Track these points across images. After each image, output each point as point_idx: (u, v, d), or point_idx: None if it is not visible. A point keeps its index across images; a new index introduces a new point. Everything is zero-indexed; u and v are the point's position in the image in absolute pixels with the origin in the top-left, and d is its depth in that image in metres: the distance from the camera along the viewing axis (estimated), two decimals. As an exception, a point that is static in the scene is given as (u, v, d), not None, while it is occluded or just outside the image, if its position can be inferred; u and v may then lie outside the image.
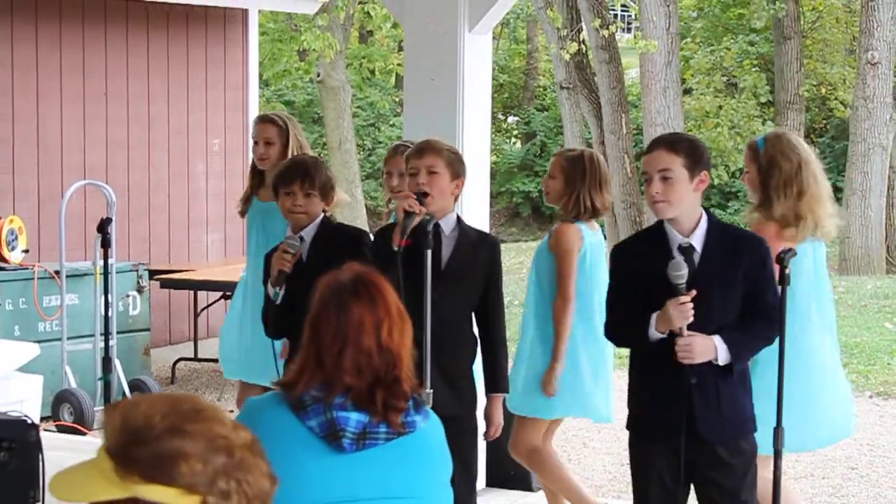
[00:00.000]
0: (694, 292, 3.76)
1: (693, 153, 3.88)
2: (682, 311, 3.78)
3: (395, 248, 4.18)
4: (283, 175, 4.65)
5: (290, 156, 5.41)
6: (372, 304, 2.78)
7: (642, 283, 3.88)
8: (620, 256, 4.04)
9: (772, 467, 4.33)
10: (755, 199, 4.71)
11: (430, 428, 2.85)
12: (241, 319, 5.68)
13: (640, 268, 3.91)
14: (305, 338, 2.81)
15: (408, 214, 4.25)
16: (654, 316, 3.84)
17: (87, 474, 1.77)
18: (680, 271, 3.78)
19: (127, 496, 1.73)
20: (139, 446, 1.73)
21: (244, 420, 2.79)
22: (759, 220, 4.61)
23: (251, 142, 5.79)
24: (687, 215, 3.88)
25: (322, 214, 4.66)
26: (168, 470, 1.72)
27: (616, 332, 4.09)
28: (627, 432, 4.09)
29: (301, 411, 2.76)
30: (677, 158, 3.84)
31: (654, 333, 3.86)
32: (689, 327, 3.80)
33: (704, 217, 3.92)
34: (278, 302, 4.43)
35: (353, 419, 2.75)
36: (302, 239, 4.57)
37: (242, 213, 5.83)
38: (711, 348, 3.81)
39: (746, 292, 3.88)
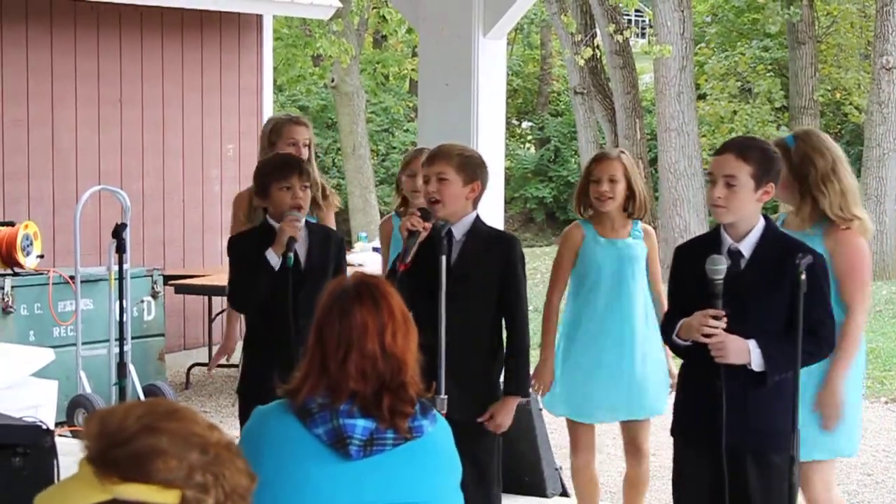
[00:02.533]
0: (723, 314, 3.75)
1: (763, 163, 3.84)
2: (702, 323, 3.77)
3: (397, 272, 4.15)
4: (280, 169, 4.67)
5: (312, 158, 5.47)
6: (375, 308, 2.78)
7: (692, 285, 3.87)
8: (679, 258, 4.07)
9: (827, 475, 4.34)
10: (790, 202, 4.57)
11: (437, 432, 2.84)
12: None
13: (692, 269, 3.90)
14: (310, 343, 2.82)
15: (411, 234, 4.24)
16: (680, 322, 3.83)
17: (69, 484, 1.81)
18: (718, 266, 3.76)
19: (107, 498, 1.76)
20: (116, 448, 1.77)
21: (252, 428, 2.84)
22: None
23: (270, 143, 5.63)
24: (744, 221, 3.87)
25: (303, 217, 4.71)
26: (145, 467, 1.75)
27: (662, 331, 4.14)
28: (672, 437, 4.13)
29: (307, 419, 2.76)
30: (745, 167, 3.82)
31: (677, 340, 3.85)
32: (727, 332, 3.78)
33: (761, 224, 3.89)
34: (277, 268, 4.46)
35: (360, 426, 2.75)
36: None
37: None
38: (745, 351, 3.79)
39: (792, 305, 3.79)
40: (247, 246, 4.63)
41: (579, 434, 5.19)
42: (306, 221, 4.71)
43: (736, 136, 4.29)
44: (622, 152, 5.15)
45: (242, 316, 5.15)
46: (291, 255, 4.47)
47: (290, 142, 5.54)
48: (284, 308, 4.43)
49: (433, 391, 3.88)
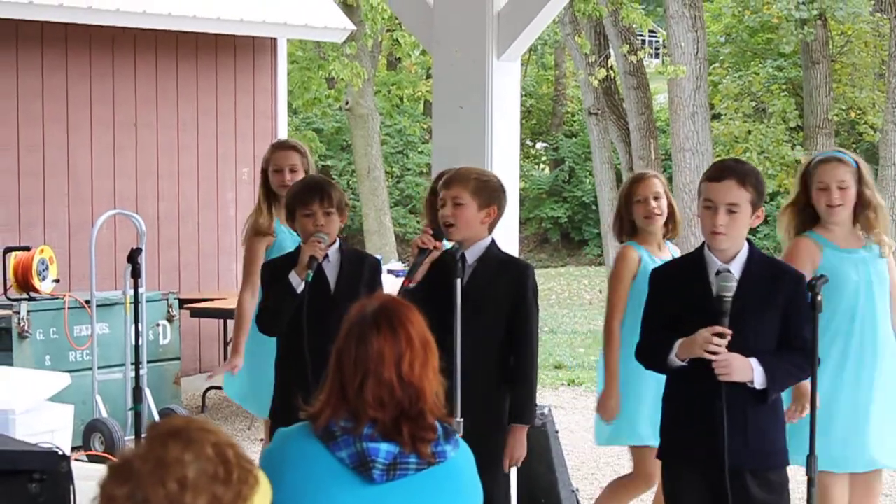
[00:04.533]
0: (729, 332, 3.75)
1: (758, 188, 3.89)
2: (707, 340, 3.75)
3: (409, 288, 4.17)
4: (301, 195, 4.64)
5: None
6: (393, 336, 2.77)
7: (676, 307, 3.87)
8: (658, 279, 4.05)
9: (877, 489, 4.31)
10: (848, 217, 4.68)
11: (460, 457, 2.84)
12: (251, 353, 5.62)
13: (675, 292, 3.91)
14: (330, 369, 2.81)
15: (421, 251, 4.25)
16: (678, 342, 3.81)
17: None
18: (729, 283, 3.78)
19: None
20: None
21: (274, 450, 2.85)
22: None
23: (263, 169, 5.67)
24: (735, 245, 3.90)
25: (338, 240, 4.68)
26: None
27: (643, 354, 4.08)
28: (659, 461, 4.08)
29: (331, 442, 2.76)
30: (746, 193, 3.85)
31: (674, 360, 3.84)
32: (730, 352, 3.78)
33: (746, 247, 3.91)
34: (300, 290, 4.45)
35: (384, 450, 2.74)
36: (327, 257, 4.59)
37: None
38: (748, 369, 3.80)
39: (784, 326, 3.87)
40: (278, 271, 4.63)
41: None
42: (341, 244, 4.70)
43: (727, 160, 4.26)
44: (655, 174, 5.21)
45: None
46: (311, 272, 4.46)
47: (275, 167, 5.57)
48: (312, 329, 4.43)
49: (456, 416, 3.89)
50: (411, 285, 4.19)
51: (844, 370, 4.66)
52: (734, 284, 3.78)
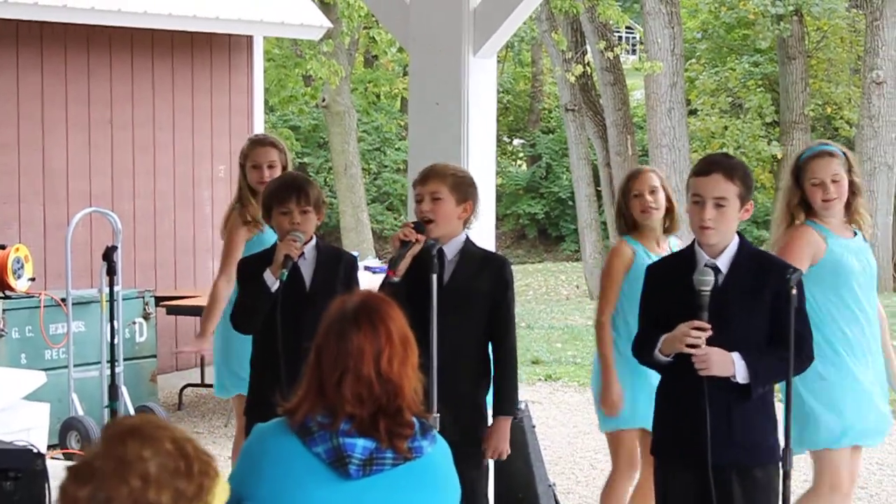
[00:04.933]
0: (708, 326, 3.77)
1: (746, 182, 3.90)
2: (685, 333, 3.78)
3: (393, 280, 4.19)
4: (278, 193, 4.64)
5: None
6: (373, 332, 2.79)
7: (668, 303, 3.89)
8: (652, 277, 4.07)
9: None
10: (839, 209, 4.72)
11: (437, 453, 2.86)
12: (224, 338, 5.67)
13: (667, 288, 3.93)
14: (309, 364, 2.83)
15: (403, 244, 4.27)
16: (663, 337, 3.83)
17: None
18: (705, 277, 3.79)
19: None
20: None
21: (251, 446, 2.88)
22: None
23: (241, 165, 5.70)
24: (724, 239, 3.90)
25: (315, 238, 4.69)
26: None
27: (636, 350, 4.11)
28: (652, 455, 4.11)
29: (307, 437, 2.78)
30: (733, 187, 3.85)
31: (659, 356, 3.86)
32: (710, 345, 3.80)
33: (736, 241, 3.92)
34: (275, 289, 4.46)
35: (360, 445, 2.76)
36: (302, 255, 4.60)
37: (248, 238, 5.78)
38: (729, 363, 3.80)
39: (773, 319, 3.86)
40: (253, 268, 4.63)
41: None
42: (318, 242, 4.70)
43: (715, 155, 4.29)
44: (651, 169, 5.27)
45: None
46: (285, 271, 4.47)
47: (253, 164, 5.59)
48: (286, 327, 4.44)
49: (433, 412, 3.91)
50: (395, 278, 4.21)
51: (855, 354, 4.71)
52: (711, 279, 3.79)
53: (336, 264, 4.71)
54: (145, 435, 2.16)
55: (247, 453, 2.87)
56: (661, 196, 5.13)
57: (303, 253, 4.61)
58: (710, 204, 3.84)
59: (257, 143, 5.72)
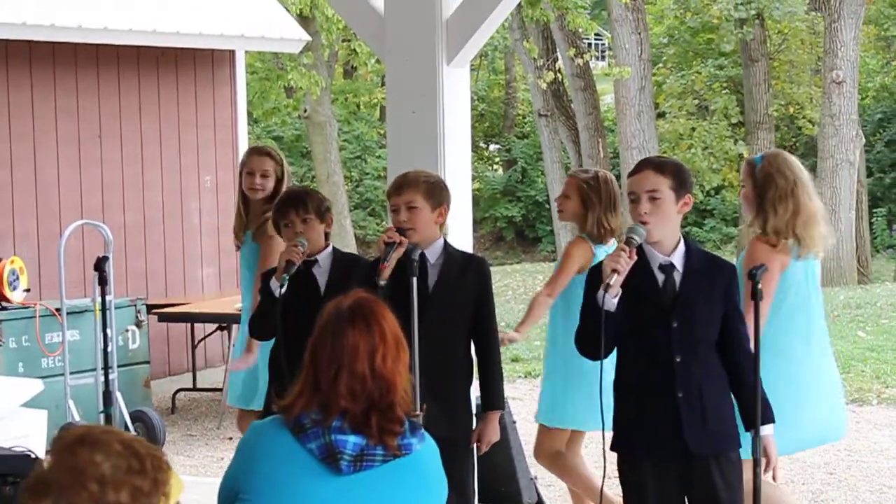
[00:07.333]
0: (629, 248, 3.81)
1: (679, 176, 3.95)
2: (612, 257, 3.80)
3: (381, 283, 4.25)
4: (280, 209, 4.76)
5: (284, 188, 5.59)
6: (368, 330, 2.87)
7: (622, 301, 3.82)
8: (596, 276, 3.92)
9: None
10: (750, 215, 4.83)
11: (425, 450, 2.92)
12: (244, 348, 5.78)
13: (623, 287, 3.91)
14: (305, 361, 2.91)
15: (388, 245, 4.34)
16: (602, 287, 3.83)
17: None
18: (640, 230, 3.85)
19: None
20: None
21: (247, 441, 2.94)
22: (754, 234, 4.72)
23: (239, 174, 5.86)
24: (669, 237, 3.92)
25: (331, 246, 4.78)
26: None
27: (578, 336, 3.98)
28: (615, 452, 4.05)
29: (301, 433, 2.85)
30: (665, 180, 3.90)
31: (603, 296, 3.78)
32: (677, 346, 3.85)
33: (682, 239, 4.00)
34: (278, 294, 4.51)
35: (351, 442, 2.83)
36: (313, 259, 4.72)
37: (238, 247, 5.94)
38: (774, 442, 4.06)
39: (723, 320, 3.95)
40: (269, 277, 4.74)
41: (562, 437, 5.54)
42: (334, 249, 4.79)
43: (648, 157, 4.49)
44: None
45: None
46: (286, 276, 4.56)
47: (248, 171, 5.75)
48: (295, 333, 4.42)
49: (424, 410, 4.00)
50: (382, 282, 4.27)
51: (812, 352, 4.88)
52: (644, 232, 3.85)
53: (352, 270, 4.72)
54: (93, 441, 2.18)
55: (242, 448, 2.94)
56: (574, 203, 5.41)
57: (317, 260, 4.71)
58: (644, 198, 3.87)
59: (254, 151, 5.89)
